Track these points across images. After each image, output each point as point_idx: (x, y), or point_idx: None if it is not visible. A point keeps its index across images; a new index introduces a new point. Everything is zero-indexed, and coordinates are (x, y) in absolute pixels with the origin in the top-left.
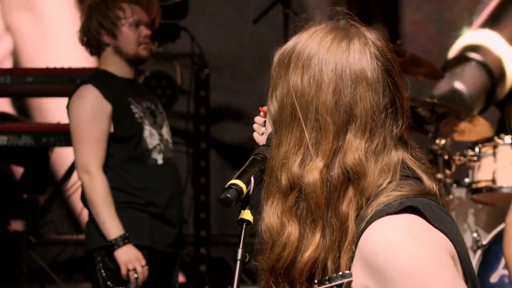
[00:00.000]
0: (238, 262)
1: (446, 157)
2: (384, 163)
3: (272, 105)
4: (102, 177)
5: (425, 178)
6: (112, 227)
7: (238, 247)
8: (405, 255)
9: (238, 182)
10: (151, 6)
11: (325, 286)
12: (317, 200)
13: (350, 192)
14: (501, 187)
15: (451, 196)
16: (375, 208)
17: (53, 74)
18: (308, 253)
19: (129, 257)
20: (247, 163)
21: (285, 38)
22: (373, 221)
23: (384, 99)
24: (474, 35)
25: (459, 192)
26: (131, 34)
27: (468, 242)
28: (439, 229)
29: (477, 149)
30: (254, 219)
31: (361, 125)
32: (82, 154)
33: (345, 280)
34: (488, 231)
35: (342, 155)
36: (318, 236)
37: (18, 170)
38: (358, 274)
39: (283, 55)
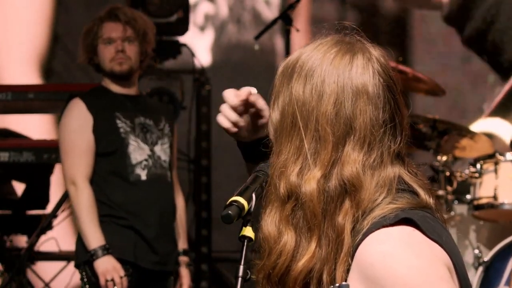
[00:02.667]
0: (240, 279)
1: (447, 173)
2: (380, 177)
3: (274, 114)
4: (87, 188)
5: (421, 192)
6: (93, 238)
7: (240, 264)
8: (403, 267)
9: (240, 199)
10: (133, 22)
11: None
12: (313, 209)
13: (347, 204)
14: (502, 204)
15: (452, 213)
16: (371, 220)
17: (54, 91)
18: (302, 262)
19: (107, 268)
20: (248, 180)
21: (287, 54)
22: (370, 234)
23: (384, 114)
24: (484, 123)
25: (460, 209)
26: (104, 51)
27: (470, 259)
28: (435, 241)
29: (478, 166)
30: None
31: (360, 138)
32: (69, 165)
33: None
34: (490, 247)
35: (340, 167)
36: (313, 245)
37: (20, 187)
38: (356, 286)
39: (287, 65)
